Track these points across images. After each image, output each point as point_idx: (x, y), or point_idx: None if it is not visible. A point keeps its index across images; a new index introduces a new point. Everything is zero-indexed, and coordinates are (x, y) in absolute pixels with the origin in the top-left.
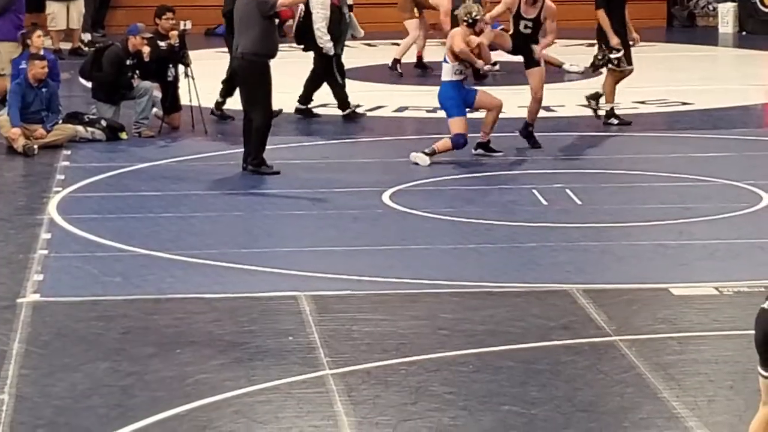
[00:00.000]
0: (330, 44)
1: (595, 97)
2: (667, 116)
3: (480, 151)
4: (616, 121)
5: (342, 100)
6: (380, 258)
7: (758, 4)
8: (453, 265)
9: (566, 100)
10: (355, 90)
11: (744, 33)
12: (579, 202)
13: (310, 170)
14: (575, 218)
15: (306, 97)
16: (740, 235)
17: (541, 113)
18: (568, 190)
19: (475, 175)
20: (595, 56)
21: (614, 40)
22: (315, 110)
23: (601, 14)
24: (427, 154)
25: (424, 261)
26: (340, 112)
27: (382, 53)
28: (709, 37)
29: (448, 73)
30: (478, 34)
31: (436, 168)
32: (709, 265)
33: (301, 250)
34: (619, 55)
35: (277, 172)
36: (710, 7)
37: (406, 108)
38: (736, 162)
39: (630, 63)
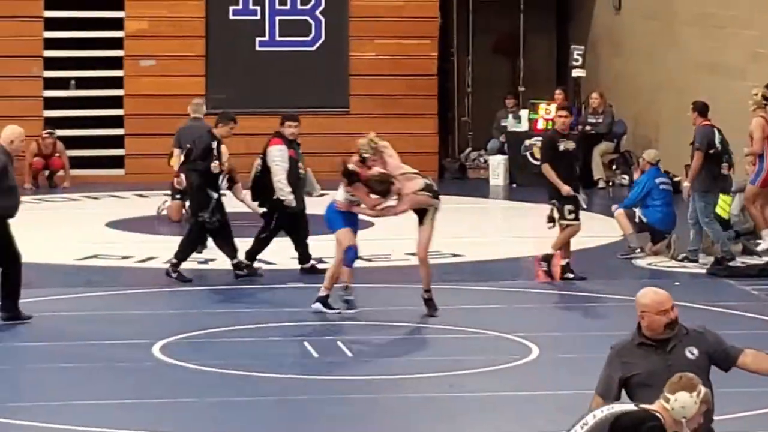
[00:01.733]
0: (291, 196)
1: (546, 259)
2: (438, 268)
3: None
4: (571, 275)
5: (303, 255)
6: (150, 412)
7: (529, 157)
8: (223, 419)
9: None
10: (124, 240)
11: (514, 185)
12: (350, 354)
13: (81, 322)
14: (346, 370)
15: (254, 253)
16: (510, 388)
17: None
18: (339, 342)
19: (246, 327)
20: (551, 210)
21: (564, 189)
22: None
23: (546, 168)
24: (345, 300)
25: (194, 415)
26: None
27: (152, 203)
28: (480, 189)
29: (339, 196)
30: (368, 168)
31: (207, 319)
32: (479, 417)
33: (69, 404)
34: (571, 207)
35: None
36: (481, 160)
37: None
38: (507, 314)
39: (577, 218)
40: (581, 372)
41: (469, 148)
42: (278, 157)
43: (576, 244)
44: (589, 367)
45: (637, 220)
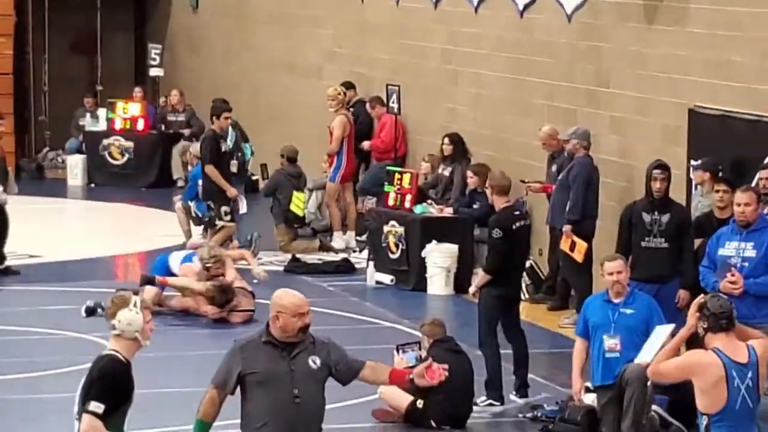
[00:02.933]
0: (5, 196)
1: None
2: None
3: None
4: None
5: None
6: None
7: (107, 156)
8: None
9: None
10: None
11: (93, 185)
12: None
13: None
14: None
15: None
16: None
17: None
18: None
19: None
20: (209, 214)
21: (232, 191)
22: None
23: (211, 169)
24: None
25: None
26: None
27: None
28: (58, 189)
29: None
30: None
31: None
32: (59, 419)
33: None
34: (227, 208)
35: None
36: (59, 160)
37: None
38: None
39: (233, 220)
40: (161, 371)
41: (47, 148)
42: None
43: (156, 243)
44: (168, 366)
45: (193, 214)
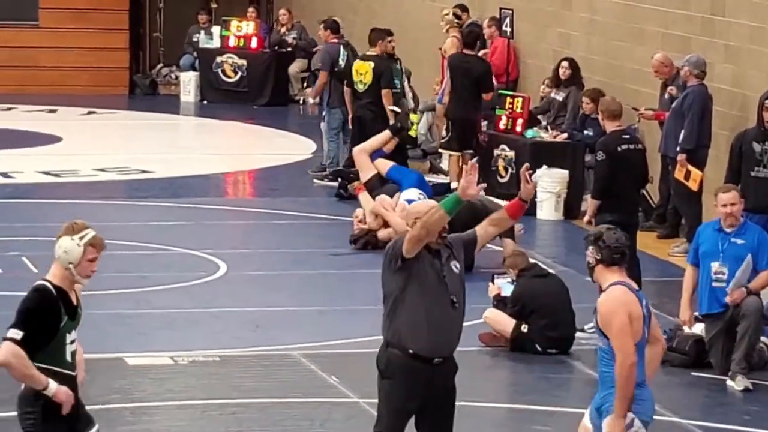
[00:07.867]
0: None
1: None
2: (127, 184)
3: None
4: None
5: None
6: None
7: (220, 74)
8: None
9: (24, 166)
10: None
11: (205, 102)
12: (36, 271)
13: None
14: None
15: None
16: (197, 304)
17: None
18: (24, 258)
19: None
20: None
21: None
22: None
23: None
24: None
25: None
26: None
27: None
28: (171, 105)
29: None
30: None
31: None
32: (166, 334)
33: None
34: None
35: None
36: (173, 76)
37: None
38: (196, 231)
39: None
40: (268, 289)
41: (161, 64)
42: None
43: (267, 161)
44: (275, 284)
45: None
